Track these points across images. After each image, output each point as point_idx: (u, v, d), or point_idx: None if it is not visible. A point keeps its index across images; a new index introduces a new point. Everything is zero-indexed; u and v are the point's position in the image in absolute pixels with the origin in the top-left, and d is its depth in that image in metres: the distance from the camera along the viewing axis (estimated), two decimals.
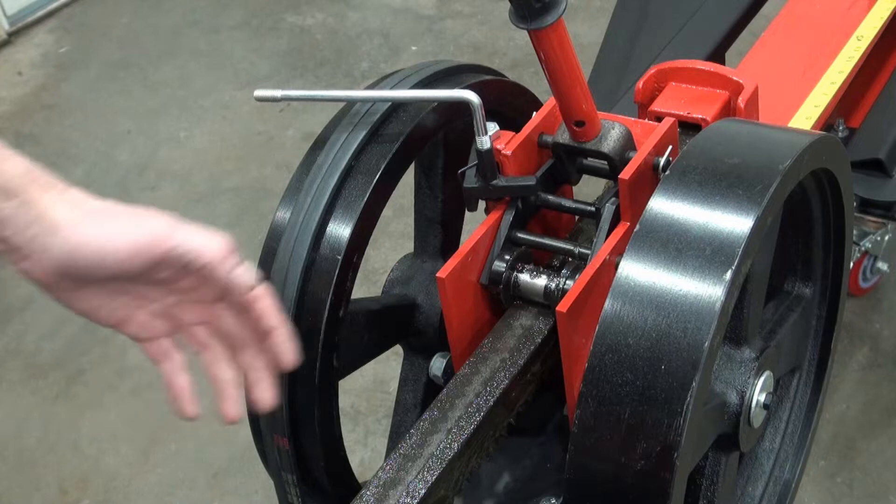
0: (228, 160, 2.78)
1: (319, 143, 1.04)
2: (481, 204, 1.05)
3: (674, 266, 0.77)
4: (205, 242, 0.76)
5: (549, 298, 1.00)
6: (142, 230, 0.75)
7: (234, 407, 0.81)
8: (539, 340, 1.00)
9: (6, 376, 2.30)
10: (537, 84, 1.16)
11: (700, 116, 1.11)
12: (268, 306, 0.80)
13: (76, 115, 3.03)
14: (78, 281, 0.76)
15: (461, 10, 3.25)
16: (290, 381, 0.99)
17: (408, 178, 1.09)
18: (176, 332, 0.82)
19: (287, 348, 0.81)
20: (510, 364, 0.97)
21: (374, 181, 1.00)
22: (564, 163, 1.04)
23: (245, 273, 0.78)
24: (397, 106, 1.05)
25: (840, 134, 1.68)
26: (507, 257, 1.02)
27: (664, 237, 0.79)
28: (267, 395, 0.82)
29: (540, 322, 1.01)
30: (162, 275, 0.77)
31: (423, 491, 0.87)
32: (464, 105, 0.97)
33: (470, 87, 1.06)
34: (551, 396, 1.04)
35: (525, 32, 0.90)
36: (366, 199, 1.00)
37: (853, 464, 1.89)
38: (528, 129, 1.03)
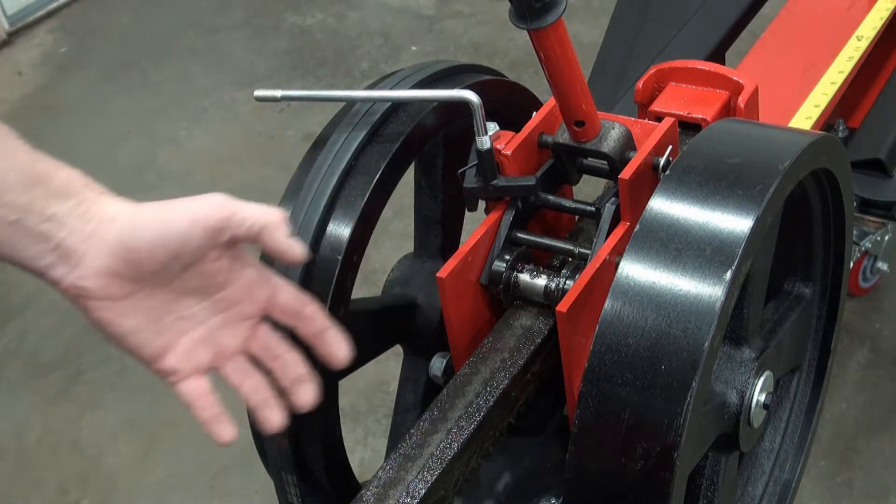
0: (228, 160, 2.78)
1: (319, 143, 1.04)
2: (481, 204, 1.05)
3: (674, 266, 0.77)
4: (262, 210, 0.78)
5: (549, 298, 1.00)
6: (200, 202, 0.76)
7: (278, 415, 0.82)
8: (539, 340, 1.00)
9: (6, 376, 2.30)
10: (537, 84, 1.15)
11: (700, 116, 1.11)
12: (317, 309, 0.82)
13: (76, 115, 3.03)
14: (130, 278, 0.75)
15: (461, 10, 3.25)
16: None
17: (408, 178, 1.09)
18: (216, 365, 0.81)
19: (342, 345, 0.83)
20: (510, 364, 0.97)
21: (374, 181, 1.00)
22: (564, 163, 1.04)
23: (297, 244, 0.79)
24: (397, 106, 1.05)
25: (840, 134, 1.68)
26: (507, 257, 1.02)
27: (664, 237, 0.79)
28: (309, 396, 0.82)
29: (540, 322, 1.01)
30: (218, 263, 0.78)
31: (423, 491, 0.88)
32: (464, 105, 0.97)
33: (470, 87, 1.06)
34: (551, 396, 1.04)
35: (525, 32, 0.90)
36: (366, 199, 1.00)
37: (853, 464, 1.89)
38: (528, 129, 1.03)
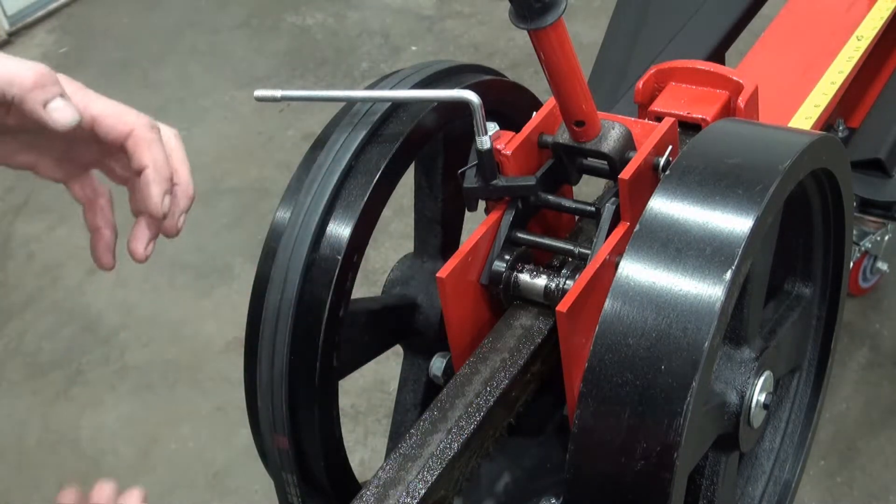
0: (228, 160, 2.78)
1: (319, 143, 1.04)
2: (481, 204, 1.05)
3: (674, 266, 0.77)
4: (15, 70, 0.66)
5: (549, 298, 1.00)
6: None
7: (143, 245, 0.76)
8: (539, 340, 1.00)
9: (6, 376, 2.30)
10: (537, 84, 1.16)
11: (700, 116, 1.11)
12: (138, 115, 0.74)
13: None
14: None
15: (461, 10, 3.25)
16: (291, 381, 0.99)
17: (408, 178, 1.09)
18: (95, 166, 0.77)
19: (153, 194, 0.74)
20: (510, 364, 0.98)
21: (374, 181, 1.00)
22: (564, 163, 1.04)
23: (64, 108, 0.68)
24: (397, 106, 1.05)
25: (840, 134, 1.68)
26: (507, 257, 1.02)
27: (664, 237, 0.79)
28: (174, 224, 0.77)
29: (540, 322, 1.01)
30: (10, 117, 0.69)
31: (423, 491, 0.88)
32: (464, 105, 0.97)
33: (470, 87, 1.06)
34: (551, 396, 1.04)
35: (525, 32, 0.90)
36: (366, 199, 1.00)
37: (853, 464, 1.89)
38: (528, 129, 1.03)
